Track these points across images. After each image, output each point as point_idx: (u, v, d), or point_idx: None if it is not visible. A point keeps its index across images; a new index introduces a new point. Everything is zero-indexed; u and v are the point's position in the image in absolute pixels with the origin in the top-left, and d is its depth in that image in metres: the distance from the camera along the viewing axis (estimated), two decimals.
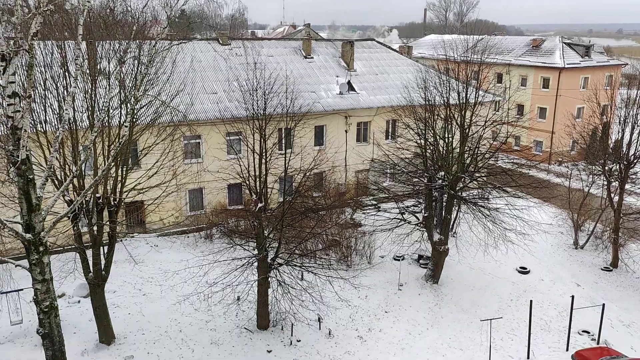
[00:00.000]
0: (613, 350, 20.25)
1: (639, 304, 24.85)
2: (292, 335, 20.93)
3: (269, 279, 20.38)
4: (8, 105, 12.07)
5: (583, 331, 22.46)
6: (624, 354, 20.02)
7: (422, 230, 25.46)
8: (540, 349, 21.10)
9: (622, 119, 29.09)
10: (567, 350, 21.09)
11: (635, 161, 28.34)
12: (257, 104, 19.74)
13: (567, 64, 48.66)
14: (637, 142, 27.85)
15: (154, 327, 21.27)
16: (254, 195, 20.35)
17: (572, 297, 22.78)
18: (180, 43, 21.08)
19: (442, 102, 24.41)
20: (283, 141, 22.75)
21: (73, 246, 19.48)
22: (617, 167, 28.66)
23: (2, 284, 20.41)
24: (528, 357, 20.60)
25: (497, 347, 20.88)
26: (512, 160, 28.19)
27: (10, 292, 20.47)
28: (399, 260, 27.46)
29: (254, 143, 19.83)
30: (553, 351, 21.10)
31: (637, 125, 27.80)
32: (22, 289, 20.25)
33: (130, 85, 17.27)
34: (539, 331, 22.01)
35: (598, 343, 21.71)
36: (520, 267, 27.63)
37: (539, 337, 21.76)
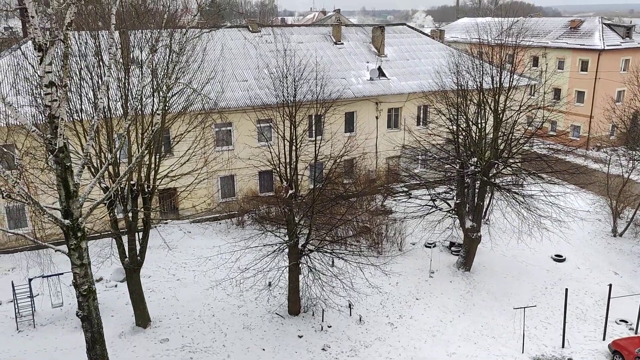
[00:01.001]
0: None
1: None
2: (322, 321, 21.07)
3: (300, 265, 20.52)
4: (45, 94, 12.33)
5: (621, 320, 22.04)
6: None
7: (454, 218, 25.24)
8: (575, 338, 20.77)
9: None
10: (603, 339, 20.71)
11: None
12: (287, 91, 19.73)
13: (607, 45, 47.18)
14: None
15: (187, 312, 21.65)
16: (285, 182, 20.43)
17: (610, 285, 22.30)
18: (211, 31, 21.23)
19: (475, 86, 24.03)
20: (313, 128, 22.70)
21: (109, 232, 19.91)
22: None
23: (43, 268, 21.00)
24: (563, 346, 20.31)
25: (531, 336, 20.64)
26: (548, 146, 27.64)
27: (51, 275, 21.05)
28: (430, 247, 27.31)
29: (284, 130, 19.86)
30: (589, 340, 20.76)
31: None
32: (62, 273, 20.79)
33: (162, 73, 17.45)
34: (574, 320, 21.65)
35: (636, 333, 21.30)
36: (556, 255, 27.12)
37: (574, 326, 21.40)
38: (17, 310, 20.71)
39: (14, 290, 20.95)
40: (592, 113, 47.21)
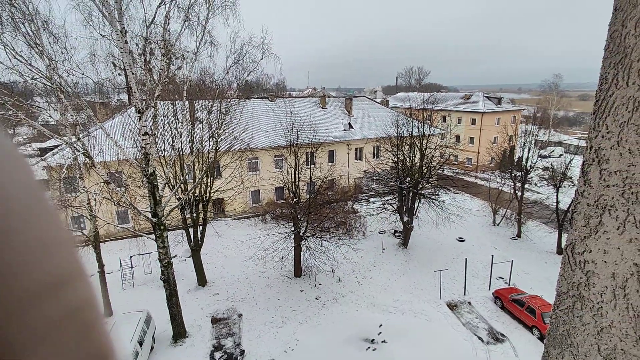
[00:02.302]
0: (519, 290, 19.87)
1: (534, 260, 24.32)
2: (315, 281, 20.95)
3: (301, 246, 20.46)
4: (142, 140, 12.28)
5: (499, 277, 22.12)
6: (525, 291, 19.62)
7: (396, 214, 25.32)
8: (472, 289, 20.81)
9: (522, 144, 28.71)
10: (489, 289, 20.79)
11: (530, 170, 27.96)
12: (293, 137, 19.86)
13: (487, 109, 48.03)
14: (531, 158, 27.51)
15: (230, 276, 21.44)
16: (291, 194, 20.45)
17: (492, 256, 22.39)
18: (245, 100, 21.33)
19: (408, 134, 24.32)
20: (309, 160, 22.80)
21: (181, 226, 19.75)
22: (520, 174, 28.22)
23: (139, 249, 20.79)
24: (464, 294, 20.32)
25: (445, 288, 20.66)
26: (453, 170, 27.93)
27: (144, 254, 20.80)
28: (382, 233, 27.31)
29: (291, 161, 19.94)
30: (480, 290, 20.80)
31: (531, 148, 27.51)
32: (151, 252, 20.55)
33: (214, 126, 17.52)
34: (471, 278, 21.70)
35: (509, 285, 21.37)
36: (459, 237, 27.26)
37: (471, 281, 21.45)
38: (122, 276, 20.37)
39: (120, 263, 20.63)
40: (479, 150, 47.82)
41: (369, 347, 15.88)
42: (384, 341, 16.22)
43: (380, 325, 17.20)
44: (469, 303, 19.52)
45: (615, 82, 0.93)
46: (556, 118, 72.43)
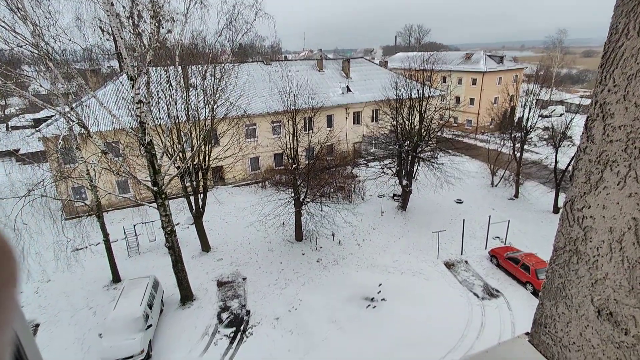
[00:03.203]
0: (515, 248, 20.39)
1: (531, 220, 24.77)
2: (316, 244, 21.39)
3: (302, 211, 20.71)
4: (136, 108, 12.05)
5: (496, 237, 22.56)
6: (521, 250, 20.15)
7: (395, 178, 25.42)
8: (469, 249, 21.31)
9: (522, 104, 28.25)
10: (485, 248, 21.29)
11: (530, 130, 27.71)
12: (290, 102, 19.49)
13: (488, 68, 46.78)
14: (531, 118, 27.18)
15: (232, 242, 21.86)
16: (290, 160, 20.41)
17: (489, 216, 22.77)
18: (239, 65, 20.71)
19: (407, 96, 23.87)
20: (307, 125, 22.54)
21: (182, 194, 19.87)
22: (520, 134, 28.01)
23: (142, 218, 21.05)
24: (461, 254, 20.85)
25: (443, 248, 21.14)
26: (452, 133, 27.72)
27: (147, 222, 21.08)
28: (381, 197, 27.60)
29: (288, 127, 19.71)
30: (477, 249, 21.31)
31: (532, 108, 27.07)
32: (154, 221, 20.82)
33: (210, 93, 17.15)
34: (468, 238, 22.14)
35: (505, 244, 21.87)
36: (457, 199, 27.57)
37: (468, 241, 21.91)
38: (127, 244, 20.78)
39: (124, 232, 20.96)
40: (479, 111, 47.19)
41: (369, 305, 16.58)
42: (383, 299, 16.90)
43: (380, 285, 17.85)
44: (466, 262, 20.10)
45: (625, 32, 0.89)
46: (559, 76, 70.81)
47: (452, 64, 50.26)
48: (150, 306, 14.61)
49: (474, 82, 47.98)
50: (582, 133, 1.05)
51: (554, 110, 51.67)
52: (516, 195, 28.28)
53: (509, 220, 22.68)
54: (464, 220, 22.45)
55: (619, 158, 0.94)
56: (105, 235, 16.96)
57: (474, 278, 18.76)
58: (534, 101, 27.39)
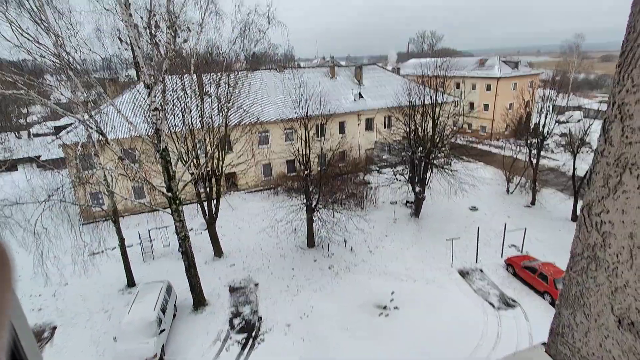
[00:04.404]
0: (532, 257, 19.88)
1: (548, 228, 24.14)
2: (328, 251, 21.28)
3: (313, 217, 20.68)
4: (152, 116, 12.30)
5: (512, 245, 22.09)
6: (538, 259, 19.63)
7: (408, 185, 25.20)
8: (484, 257, 20.88)
9: (539, 110, 27.75)
10: (501, 257, 20.84)
11: (547, 137, 27.14)
12: (302, 109, 19.61)
13: (503, 74, 46.23)
14: (548, 124, 26.65)
15: (245, 247, 21.95)
16: (303, 166, 20.46)
17: (505, 224, 22.30)
18: (253, 72, 20.97)
19: (420, 103, 23.74)
20: (319, 132, 22.61)
21: (195, 200, 20.10)
22: (536, 140, 27.47)
23: (157, 223, 21.34)
24: (476, 262, 20.45)
25: (457, 256, 20.78)
26: (466, 139, 27.35)
27: (161, 227, 21.39)
28: (394, 204, 27.36)
29: (301, 134, 19.81)
30: (492, 258, 20.87)
31: (548, 114, 26.56)
32: (168, 226, 21.13)
33: (224, 100, 17.39)
34: (483, 246, 21.70)
35: (521, 253, 21.37)
36: (471, 206, 27.14)
37: (483, 249, 21.47)
38: (142, 249, 21.09)
39: (140, 237, 21.28)
40: (494, 117, 46.57)
41: (381, 313, 16.36)
42: (396, 307, 16.66)
43: (393, 293, 17.60)
44: (481, 270, 19.68)
45: None
46: (576, 81, 69.35)
47: (466, 69, 49.87)
48: (163, 311, 14.74)
49: (488, 87, 47.44)
50: (600, 135, 1.01)
51: (572, 115, 50.48)
52: (533, 203, 27.66)
53: (525, 228, 22.16)
54: (478, 228, 22.05)
55: (639, 160, 0.91)
56: (121, 240, 17.26)
57: (490, 287, 18.33)
58: (551, 107, 26.87)
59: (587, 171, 24.06)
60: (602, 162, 1.00)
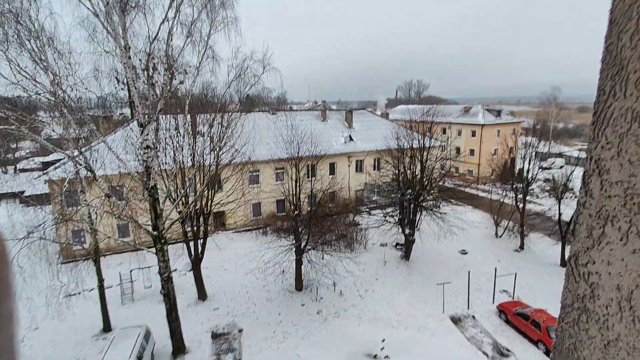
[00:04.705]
0: (524, 303, 19.58)
1: (538, 273, 24.03)
2: (317, 294, 20.69)
3: (302, 259, 20.28)
4: (144, 153, 12.32)
5: (503, 290, 21.78)
6: (530, 305, 19.32)
7: (398, 227, 25.17)
8: (476, 302, 20.50)
9: (522, 156, 28.75)
10: (493, 303, 20.46)
11: (531, 182, 27.88)
12: (294, 150, 19.92)
13: (487, 121, 48.21)
14: (532, 170, 27.49)
15: (230, 290, 21.20)
16: (292, 206, 20.39)
17: (495, 268, 22.17)
18: (246, 114, 21.47)
19: (408, 146, 24.39)
20: (310, 172, 22.83)
21: (181, 239, 19.63)
22: (521, 185, 28.14)
23: (139, 263, 20.62)
24: (468, 308, 20.01)
25: (448, 301, 20.34)
26: (454, 182, 27.88)
27: (144, 268, 20.64)
28: (383, 246, 27.13)
29: (292, 173, 19.96)
30: (484, 303, 20.49)
31: (531, 160, 27.51)
32: (151, 266, 20.40)
33: (216, 140, 17.59)
34: (474, 291, 21.37)
35: (513, 298, 21.04)
36: (461, 250, 27.04)
37: (475, 294, 21.13)
38: (122, 290, 20.17)
39: (120, 277, 20.44)
40: (480, 162, 47.86)
41: None
42: (387, 357, 15.92)
43: (383, 340, 16.91)
44: (473, 317, 19.21)
45: (613, 93, 0.93)
46: (556, 130, 72.68)
47: (452, 116, 51.94)
48: (139, 358, 13.79)
49: (474, 134, 49.19)
50: (581, 187, 1.06)
51: (554, 162, 52.39)
52: (521, 247, 27.73)
53: (515, 273, 22.01)
54: (469, 271, 21.83)
55: (619, 214, 0.94)
56: (100, 280, 16.50)
57: (483, 335, 17.79)
58: (533, 153, 27.87)
59: (571, 217, 24.51)
60: (585, 214, 1.04)
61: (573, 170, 26.61)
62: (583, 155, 39.02)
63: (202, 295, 19.96)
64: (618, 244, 0.95)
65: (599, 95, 0.97)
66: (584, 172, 1.04)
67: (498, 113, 51.04)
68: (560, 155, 55.63)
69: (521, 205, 27.84)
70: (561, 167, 43.80)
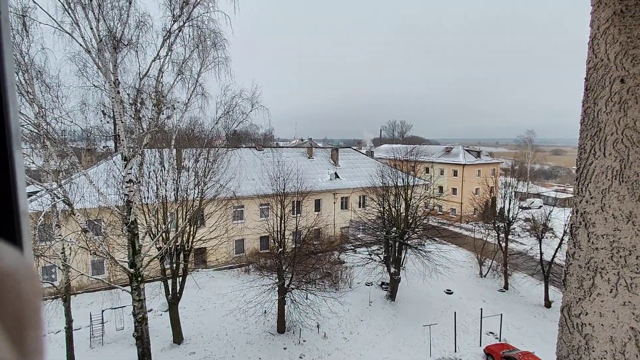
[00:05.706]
0: (511, 346, 19.23)
1: (523, 313, 23.86)
2: (300, 337, 19.82)
3: (285, 298, 19.62)
4: (126, 187, 12.10)
5: (489, 332, 21.43)
6: (517, 347, 18.98)
7: (383, 265, 24.88)
8: (462, 345, 20.03)
9: (502, 195, 29.52)
10: (480, 345, 20.03)
11: (513, 221, 28.44)
12: (279, 186, 19.93)
13: (467, 162, 49.76)
14: (512, 209, 28.15)
15: (209, 332, 20.13)
16: (277, 243, 20.04)
17: (481, 309, 21.93)
18: (233, 150, 21.58)
19: (393, 184, 24.76)
20: (295, 209, 22.72)
21: (159, 277, 18.83)
22: (502, 224, 28.64)
23: (113, 302, 19.53)
24: (455, 351, 19.50)
25: (435, 344, 19.81)
26: (438, 220, 28.18)
27: (117, 308, 19.53)
28: (369, 285, 26.59)
29: (277, 210, 19.81)
30: (471, 346, 20.03)
31: (511, 199, 28.27)
32: (125, 306, 19.33)
33: (201, 174, 17.47)
34: (461, 333, 20.94)
35: (500, 340, 20.67)
36: (447, 290, 26.74)
37: (461, 336, 20.68)
38: (91, 332, 18.86)
39: (91, 318, 19.20)
40: (462, 201, 48.73)
41: None
42: None
43: None
44: None
45: (593, 152, 1.01)
46: (533, 171, 75.50)
47: (434, 156, 53.47)
48: None
49: (455, 173, 50.53)
50: (569, 239, 1.10)
51: (533, 202, 53.90)
52: (506, 287, 27.69)
53: (501, 314, 21.80)
54: (455, 312, 21.50)
55: (607, 265, 0.98)
56: (68, 321, 15.42)
57: None
58: (513, 193, 28.70)
59: (553, 256, 24.86)
60: (574, 265, 1.07)
61: (551, 210, 27.36)
62: (560, 195, 40.39)
63: (177, 338, 18.83)
64: (608, 296, 0.98)
65: (580, 153, 1.04)
66: (571, 224, 1.09)
67: (478, 154, 52.88)
68: (538, 195, 57.40)
69: (504, 244, 28.17)
70: (540, 207, 45.02)
